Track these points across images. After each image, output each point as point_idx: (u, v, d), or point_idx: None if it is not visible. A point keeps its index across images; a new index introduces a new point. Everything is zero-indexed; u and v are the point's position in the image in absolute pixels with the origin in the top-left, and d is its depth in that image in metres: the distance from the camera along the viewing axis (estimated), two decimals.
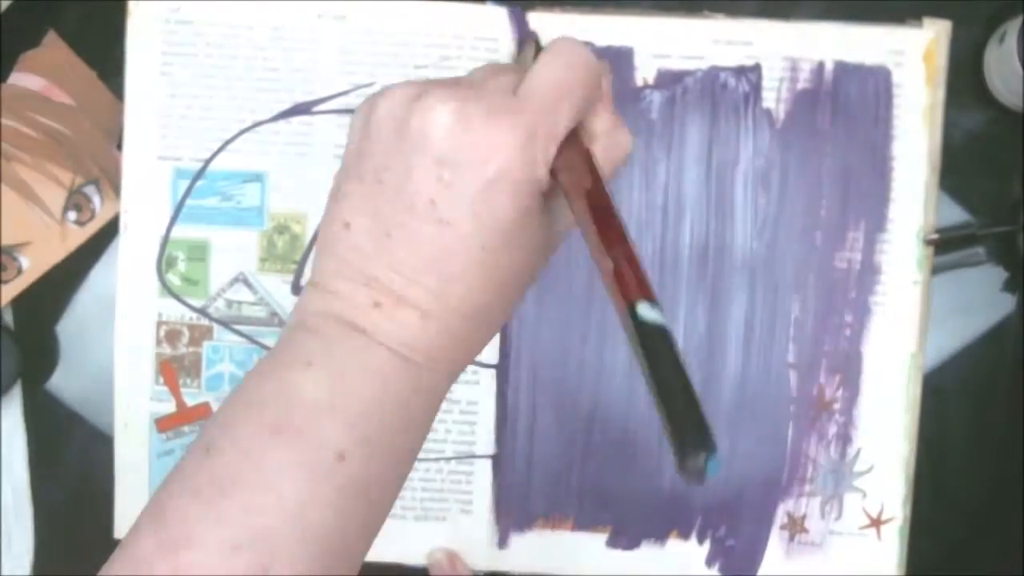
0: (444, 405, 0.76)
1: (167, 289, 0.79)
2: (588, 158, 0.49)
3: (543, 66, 0.49)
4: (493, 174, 0.47)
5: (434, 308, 0.49)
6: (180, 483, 0.48)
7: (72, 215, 0.81)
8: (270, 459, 0.47)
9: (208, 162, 0.78)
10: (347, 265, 0.50)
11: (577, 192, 0.48)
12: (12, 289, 0.82)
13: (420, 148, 0.48)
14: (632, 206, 0.76)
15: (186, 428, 0.79)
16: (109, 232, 0.82)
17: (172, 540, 0.46)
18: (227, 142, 0.78)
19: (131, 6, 0.78)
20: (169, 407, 0.79)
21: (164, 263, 0.79)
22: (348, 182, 0.51)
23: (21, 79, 0.82)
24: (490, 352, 0.77)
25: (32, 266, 0.82)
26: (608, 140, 0.51)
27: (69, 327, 0.84)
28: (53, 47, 0.82)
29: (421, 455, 0.77)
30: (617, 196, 0.76)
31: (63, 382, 0.84)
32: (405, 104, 0.49)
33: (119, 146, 0.81)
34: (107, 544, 0.81)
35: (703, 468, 0.37)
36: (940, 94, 0.75)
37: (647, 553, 0.78)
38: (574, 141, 0.49)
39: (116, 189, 0.81)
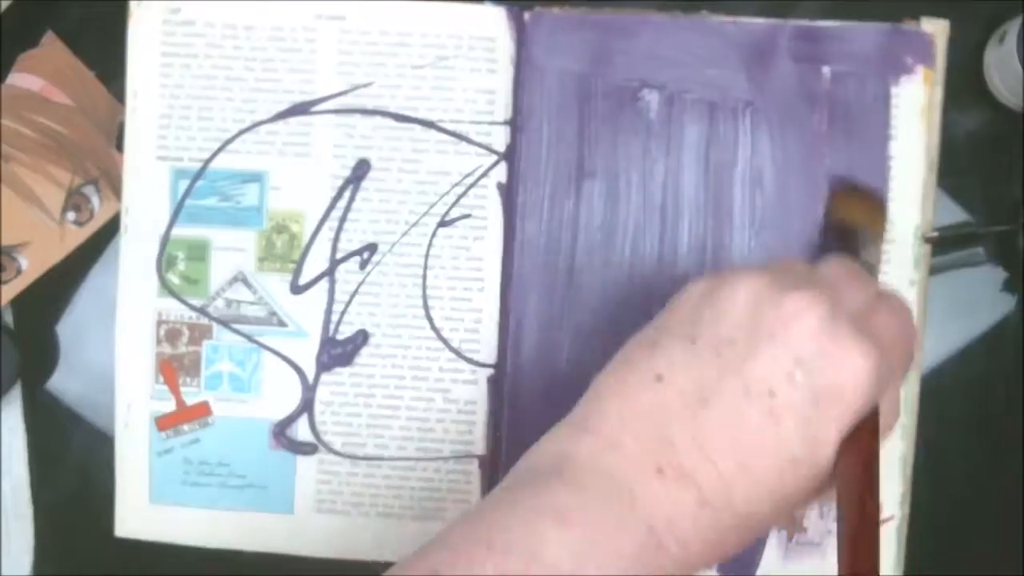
0: (442, 404, 0.77)
1: (167, 288, 0.79)
2: (875, 431, 0.50)
3: (895, 312, 0.52)
4: (839, 394, 0.47)
5: (715, 494, 0.47)
6: None
7: (71, 215, 0.81)
8: None
9: (207, 162, 0.78)
10: (645, 420, 0.48)
11: (857, 460, 0.48)
12: (11, 289, 0.82)
13: (780, 339, 0.48)
14: (631, 206, 0.76)
15: (185, 427, 0.79)
16: (108, 232, 0.82)
17: None
18: (226, 142, 0.78)
19: (132, 7, 0.78)
20: (169, 406, 0.79)
21: (164, 262, 0.79)
22: (671, 338, 0.50)
23: (19, 80, 0.82)
24: (488, 351, 0.78)
25: (31, 266, 0.82)
26: (888, 419, 0.52)
27: (69, 327, 0.84)
28: (51, 47, 0.82)
29: (420, 455, 0.78)
30: (617, 195, 0.76)
31: (63, 382, 0.84)
32: (770, 290, 0.49)
33: (118, 146, 0.81)
34: (107, 544, 0.81)
35: None
36: (938, 93, 0.75)
37: None
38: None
39: (115, 189, 0.81)
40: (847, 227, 0.72)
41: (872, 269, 0.68)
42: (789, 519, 0.49)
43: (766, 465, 0.47)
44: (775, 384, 0.47)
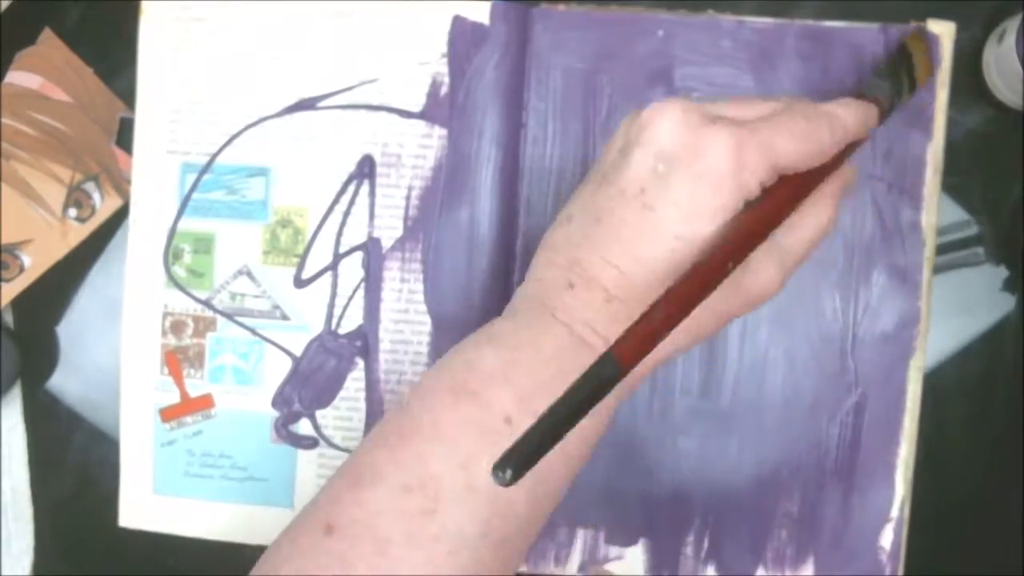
0: None
1: (173, 281, 0.79)
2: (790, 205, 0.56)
3: (788, 112, 0.56)
4: (701, 169, 0.53)
5: (619, 289, 0.54)
6: (374, 436, 0.56)
7: (73, 212, 0.82)
8: (446, 416, 0.54)
9: (214, 156, 0.79)
10: (558, 253, 0.56)
11: (735, 229, 0.53)
12: (15, 287, 0.82)
13: (643, 143, 0.54)
14: None
15: (188, 418, 0.79)
16: (109, 230, 0.82)
17: (358, 479, 0.54)
18: (233, 137, 0.78)
19: (144, 6, 0.79)
20: (173, 397, 0.80)
21: (171, 255, 0.79)
22: (583, 185, 0.58)
23: (18, 78, 0.82)
24: None
25: (34, 264, 0.82)
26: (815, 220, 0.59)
27: (69, 327, 0.84)
28: (49, 45, 0.82)
29: None
30: None
31: (63, 382, 0.84)
32: (639, 112, 0.55)
33: (118, 142, 0.81)
34: (107, 543, 0.81)
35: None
36: (944, 95, 0.75)
37: (643, 552, 0.78)
38: (787, 186, 0.56)
39: (116, 185, 0.81)
40: (906, 58, 0.72)
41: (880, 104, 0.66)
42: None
43: (654, 250, 0.53)
44: (644, 181, 0.54)
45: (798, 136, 0.55)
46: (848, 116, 0.58)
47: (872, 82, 0.69)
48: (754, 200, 0.54)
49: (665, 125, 0.53)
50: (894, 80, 0.69)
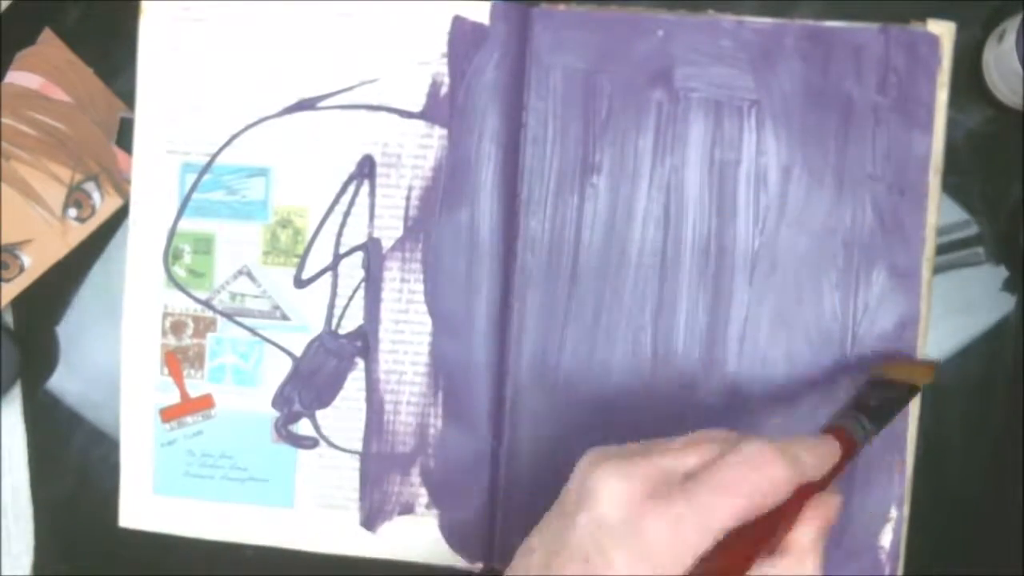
0: (443, 400, 0.77)
1: (173, 281, 0.79)
2: (747, 559, 0.54)
3: (727, 464, 0.55)
4: (640, 549, 0.53)
5: None
6: None
7: (72, 212, 0.82)
8: None
9: (214, 157, 0.79)
10: None
11: None
12: (15, 287, 0.82)
13: (588, 508, 0.55)
14: (635, 204, 0.76)
15: (189, 419, 0.80)
16: (109, 230, 0.82)
17: None
18: (233, 137, 0.78)
19: (144, 6, 0.79)
20: (173, 398, 0.80)
21: (171, 255, 0.79)
22: (549, 513, 0.59)
23: (18, 78, 0.82)
24: (488, 348, 0.78)
25: (34, 264, 0.82)
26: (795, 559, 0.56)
27: (69, 327, 0.84)
28: (49, 45, 0.82)
29: (421, 450, 0.78)
30: (622, 193, 0.76)
31: (63, 382, 0.84)
32: (590, 466, 0.56)
33: (118, 142, 0.81)
34: (107, 543, 0.82)
35: None
36: (944, 95, 0.75)
37: None
38: (742, 539, 0.54)
39: (116, 185, 0.81)
40: (881, 388, 0.70)
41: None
42: None
43: None
44: (587, 550, 0.54)
45: (743, 493, 0.54)
46: (805, 457, 0.57)
47: (843, 412, 0.67)
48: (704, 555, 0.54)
49: (605, 497, 0.55)
50: (869, 412, 0.66)
